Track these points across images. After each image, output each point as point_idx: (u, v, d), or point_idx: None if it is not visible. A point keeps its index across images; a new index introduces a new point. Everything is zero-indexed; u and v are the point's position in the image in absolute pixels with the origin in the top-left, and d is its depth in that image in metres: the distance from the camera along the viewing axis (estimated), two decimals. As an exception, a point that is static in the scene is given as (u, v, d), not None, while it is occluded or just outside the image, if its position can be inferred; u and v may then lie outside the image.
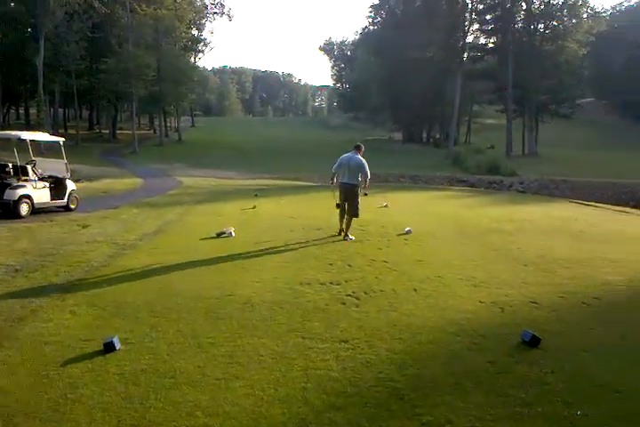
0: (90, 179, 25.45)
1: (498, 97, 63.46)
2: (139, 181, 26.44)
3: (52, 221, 12.17)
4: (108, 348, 4.55)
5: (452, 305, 5.79)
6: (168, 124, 71.42)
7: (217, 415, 3.48)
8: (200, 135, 68.85)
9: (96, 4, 48.22)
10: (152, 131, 71.69)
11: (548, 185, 36.34)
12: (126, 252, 8.78)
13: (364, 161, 9.94)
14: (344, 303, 5.83)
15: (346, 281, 6.75)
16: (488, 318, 5.41)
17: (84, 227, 11.32)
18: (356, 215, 9.94)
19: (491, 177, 39.83)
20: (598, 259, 8.15)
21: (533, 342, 4.63)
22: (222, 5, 72.35)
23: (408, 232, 10.48)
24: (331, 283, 6.67)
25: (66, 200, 14.16)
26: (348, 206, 9.93)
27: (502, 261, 8.06)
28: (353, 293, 6.22)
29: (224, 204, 16.39)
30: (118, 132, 64.68)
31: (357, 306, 5.74)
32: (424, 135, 73.94)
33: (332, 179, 10.57)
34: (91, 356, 4.46)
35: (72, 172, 15.44)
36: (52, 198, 13.79)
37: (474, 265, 7.75)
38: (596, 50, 65.59)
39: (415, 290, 6.38)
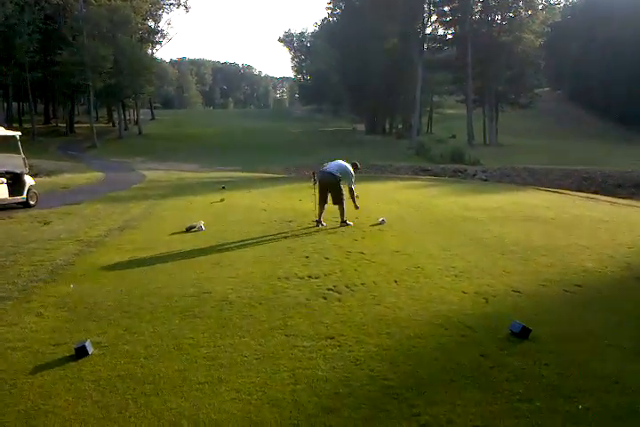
0: (49, 174, 24.69)
1: (458, 87, 64.11)
2: (100, 175, 25.72)
3: (10, 218, 11.66)
4: (80, 353, 4.26)
5: (435, 297, 5.66)
6: (127, 118, 69.83)
7: (203, 424, 3.26)
8: (161, 128, 67.61)
9: (48, -6, 46.72)
10: (111, 124, 69.99)
11: (511, 173, 36.87)
12: (92, 249, 8.41)
13: (352, 172, 10.16)
14: (325, 298, 5.64)
15: (325, 274, 6.56)
16: (473, 309, 5.29)
17: (46, 224, 10.85)
18: (341, 203, 10.07)
19: (454, 166, 40.21)
20: (573, 245, 8.16)
21: (523, 333, 4.52)
22: (179, -4, 70.88)
23: (382, 222, 10.36)
24: (309, 277, 6.47)
25: (25, 196, 13.59)
26: (332, 195, 10.04)
27: (479, 249, 7.99)
28: (334, 286, 6.03)
29: (191, 197, 15.99)
30: (76, 125, 63.05)
31: (340, 300, 5.56)
32: (386, 126, 74.21)
33: (313, 178, 10.56)
34: (62, 362, 4.18)
35: (30, 167, 14.82)
36: (10, 194, 13.21)
37: (452, 255, 7.66)
38: (551, 40, 66.82)
39: (396, 282, 6.24)
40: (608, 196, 19.20)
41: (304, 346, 4.38)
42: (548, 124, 69.70)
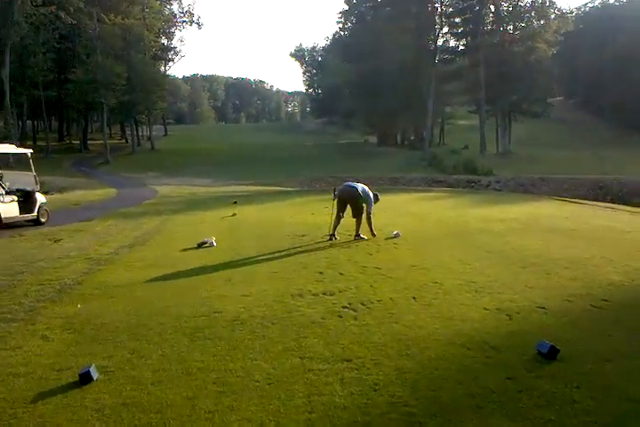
0: (61, 190, 24.74)
1: (470, 98, 63.89)
2: (112, 191, 25.74)
3: (21, 235, 11.59)
4: (85, 379, 4.06)
5: (456, 314, 5.40)
6: (140, 134, 70.35)
7: (213, 457, 3.03)
8: (173, 144, 67.97)
9: (62, 15, 47.27)
10: (124, 140, 70.60)
11: (525, 183, 36.53)
12: (102, 267, 8.27)
13: (372, 198, 10.08)
14: (341, 316, 5.40)
15: (339, 291, 6.32)
16: (496, 327, 5.03)
17: (56, 241, 10.75)
18: (360, 215, 9.95)
19: (468, 177, 39.94)
20: (597, 258, 7.85)
21: (551, 353, 4.25)
22: (191, 14, 71.94)
23: (397, 236, 10.12)
24: (324, 294, 6.24)
25: (36, 214, 13.57)
26: (352, 208, 9.95)
27: (499, 263, 7.70)
28: (349, 304, 5.80)
29: (203, 212, 15.86)
30: (89, 142, 63.58)
31: (356, 319, 5.32)
32: (398, 137, 74.01)
33: (334, 193, 10.45)
34: (65, 389, 3.98)
35: (42, 183, 14.83)
36: (21, 212, 13.19)
37: (471, 269, 7.39)
38: (564, 49, 66.59)
39: (414, 298, 5.98)
40: (623, 205, 18.83)
41: (320, 369, 4.14)
42: (562, 134, 69.10)
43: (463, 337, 4.75)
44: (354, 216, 10.00)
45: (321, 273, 7.29)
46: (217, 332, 5.05)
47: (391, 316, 5.39)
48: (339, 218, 10.05)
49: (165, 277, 7.33)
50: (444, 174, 41.90)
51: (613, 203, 21.12)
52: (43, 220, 13.73)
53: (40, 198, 13.89)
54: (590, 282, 6.48)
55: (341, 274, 7.22)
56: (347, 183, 10.30)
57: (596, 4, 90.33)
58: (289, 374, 4.09)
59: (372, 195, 10.08)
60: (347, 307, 5.71)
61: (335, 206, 10.10)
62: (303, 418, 3.42)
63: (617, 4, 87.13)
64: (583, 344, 4.57)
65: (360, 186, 10.04)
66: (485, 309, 5.56)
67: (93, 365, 4.19)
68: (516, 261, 7.74)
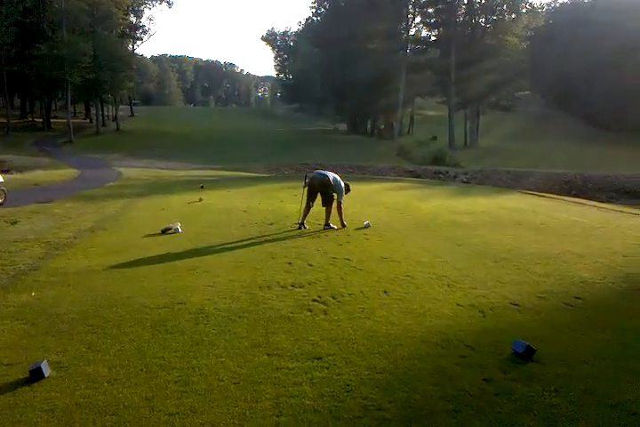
0: (21, 170, 23.84)
1: (440, 89, 64.08)
2: (74, 172, 24.94)
3: (-25, 217, 11.01)
4: (36, 375, 3.78)
5: (428, 310, 5.25)
6: (105, 114, 68.54)
7: (172, 465, 2.80)
8: (140, 125, 66.50)
9: (27, -12, 45.55)
10: (88, 120, 68.66)
11: (492, 175, 36.88)
12: (59, 252, 7.89)
13: (343, 188, 9.84)
14: (311, 310, 5.20)
15: (309, 283, 6.11)
16: (470, 324, 4.90)
17: (13, 223, 10.25)
18: (330, 204, 9.73)
19: (436, 168, 40.11)
20: (568, 253, 7.82)
21: (527, 353, 4.13)
22: (161, -9, 69.92)
23: (367, 226, 9.97)
24: (293, 286, 6.03)
25: (-8, 194, 12.94)
26: (323, 197, 9.72)
27: (471, 257, 7.61)
28: (319, 297, 5.60)
29: (168, 196, 15.43)
30: (53, 120, 61.62)
31: (326, 313, 5.13)
32: (368, 126, 73.92)
33: (304, 180, 10.15)
34: (14, 386, 3.69)
35: (1, 162, 14.14)
36: (-24, 192, 12.58)
37: (442, 262, 7.27)
38: (534, 44, 67.19)
39: (386, 292, 5.82)
40: (587, 199, 19.11)
41: (288, 368, 3.94)
42: (530, 128, 69.89)
43: (437, 335, 4.60)
44: (323, 205, 9.80)
45: (290, 264, 7.08)
46: (179, 325, 4.79)
47: (362, 311, 5.21)
48: (308, 207, 9.84)
49: (126, 265, 7.00)
50: (412, 165, 41.97)
51: (577, 197, 21.45)
52: (0, 200, 13.16)
53: (-3, 178, 13.28)
54: (562, 279, 6.42)
55: (311, 265, 7.01)
56: (318, 171, 10.09)
57: (567, 0, 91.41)
58: (256, 372, 3.87)
59: (342, 184, 9.88)
60: (317, 300, 5.51)
61: (305, 195, 9.89)
62: (271, 422, 3.21)
63: (586, 0, 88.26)
64: (558, 344, 4.47)
65: (331, 175, 9.83)
66: (458, 304, 5.43)
67: (45, 360, 3.90)
68: (487, 256, 7.65)
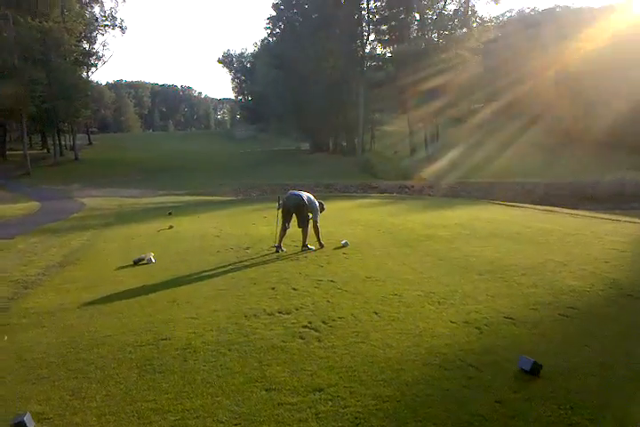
0: (-23, 205, 22.99)
1: (399, 104, 64.94)
2: (35, 204, 24.18)
3: None
4: (18, 430, 3.47)
5: (424, 329, 5.11)
6: (63, 143, 67.18)
7: None
8: (98, 153, 65.37)
9: (-26, 16, 44.61)
10: (45, 150, 67.11)
11: (456, 187, 37.36)
12: (29, 291, 7.53)
13: (318, 207, 9.73)
14: (303, 338, 5.00)
15: (296, 309, 5.91)
16: (469, 342, 4.76)
17: (-26, 262, 9.77)
18: (306, 226, 9.57)
19: (400, 182, 40.42)
20: (549, 262, 7.80)
21: (534, 370, 4.02)
22: (114, 17, 69.38)
23: (345, 245, 9.83)
24: (280, 312, 5.81)
25: (-51, 232, 12.37)
26: (298, 218, 9.54)
27: (454, 271, 7.51)
28: (309, 323, 5.40)
29: (136, 225, 14.99)
30: (8, 152, 60.00)
31: (319, 340, 4.93)
32: (330, 144, 74.28)
33: (278, 202, 10.01)
34: (-6, 444, 3.39)
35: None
36: None
37: (427, 278, 7.15)
38: (486, 57, 68.92)
39: (377, 313, 5.65)
40: (552, 206, 19.37)
41: (290, 403, 3.73)
42: (487, 138, 71.39)
43: (438, 356, 4.45)
44: (299, 226, 9.61)
45: (273, 289, 6.86)
46: (167, 363, 4.53)
47: (357, 335, 5.03)
48: (284, 229, 9.66)
49: (102, 301, 6.68)
50: (377, 180, 42.22)
51: (539, 205, 21.75)
52: (-43, 238, 12.57)
53: (-46, 215, 12.73)
54: (551, 289, 6.37)
55: (295, 289, 6.81)
56: (291, 192, 9.87)
57: (514, 13, 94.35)
58: (256, 410, 3.65)
59: (317, 203, 9.75)
60: (307, 327, 5.31)
61: (280, 216, 9.71)
62: (281, 466, 3.00)
63: (532, 13, 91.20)
64: (561, 358, 4.37)
65: (305, 194, 9.68)
66: (452, 322, 5.30)
67: (28, 412, 3.61)
68: (470, 269, 7.57)
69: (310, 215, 9.60)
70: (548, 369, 4.07)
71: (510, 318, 5.36)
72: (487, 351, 4.53)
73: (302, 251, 9.49)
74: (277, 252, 9.48)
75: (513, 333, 4.99)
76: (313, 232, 9.67)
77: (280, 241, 9.63)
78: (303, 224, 9.56)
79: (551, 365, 4.17)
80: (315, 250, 9.50)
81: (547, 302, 5.88)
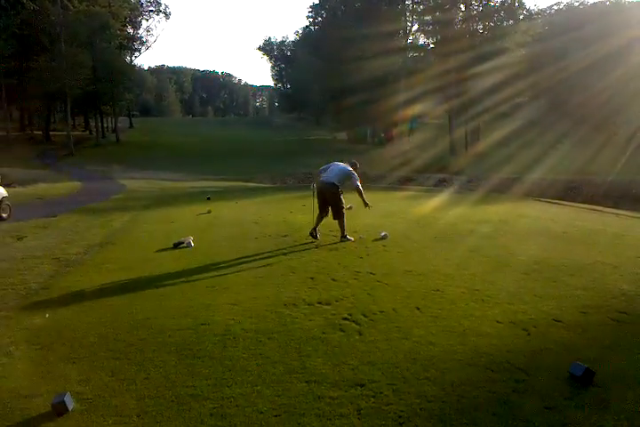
0: (23, 184, 23.57)
1: (440, 96, 63.96)
2: (77, 184, 24.69)
3: (-20, 233, 10.74)
4: (59, 409, 3.48)
5: (468, 328, 4.95)
6: (105, 125, 68.43)
7: None
8: (139, 136, 66.36)
9: (24, 0, 45.44)
10: (88, 132, 68.53)
11: (496, 182, 36.60)
12: (70, 269, 7.60)
13: (354, 174, 9.33)
14: (343, 330, 4.90)
15: (336, 300, 5.81)
16: (516, 344, 4.60)
17: (19, 239, 10.00)
18: (342, 217, 9.34)
19: (439, 175, 39.88)
20: (599, 264, 7.52)
21: (587, 377, 3.84)
22: (158, 3, 70.40)
23: (384, 237, 9.67)
24: (319, 303, 5.72)
25: (-4, 209, 12.67)
26: (332, 209, 9.33)
27: (498, 269, 7.30)
28: (349, 315, 5.30)
29: (175, 209, 15.12)
30: (52, 133, 61.41)
31: (360, 333, 4.82)
32: (368, 135, 73.72)
33: (312, 191, 9.66)
34: (36, 422, 3.43)
35: (2, 176, 13.86)
36: (-20, 207, 12.31)
37: (470, 275, 6.96)
38: (533, 50, 67.22)
39: (419, 309, 5.52)
40: (594, 205, 18.86)
41: (331, 397, 3.64)
42: (530, 133, 69.91)
43: (483, 356, 4.30)
44: (334, 218, 9.40)
45: (312, 279, 6.77)
46: (207, 349, 4.50)
47: (398, 330, 4.91)
48: (321, 215, 9.44)
49: (142, 283, 6.70)
50: (414, 173, 41.74)
51: (585, 204, 21.17)
52: (4, 215, 12.86)
53: (1, 192, 13.00)
54: (601, 292, 6.12)
55: (334, 280, 6.71)
56: (324, 178, 9.37)
57: (562, 6, 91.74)
58: (296, 402, 3.58)
59: (350, 169, 9.33)
60: (347, 319, 5.21)
61: (316, 204, 9.49)
62: (323, 462, 2.91)
63: (581, 7, 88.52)
64: (614, 365, 4.17)
65: (335, 174, 9.23)
66: (498, 322, 5.13)
67: (68, 392, 3.61)
68: (516, 267, 7.35)
69: (345, 204, 9.40)
70: (600, 377, 3.89)
71: (559, 321, 5.15)
72: (535, 355, 4.36)
73: (341, 241, 9.34)
74: (312, 235, 9.34)
75: (562, 336, 4.79)
76: (359, 196, 9.28)
77: (316, 225, 9.43)
78: (338, 217, 9.33)
79: (604, 372, 3.98)
80: (353, 241, 9.35)
81: (596, 305, 5.65)
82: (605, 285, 6.43)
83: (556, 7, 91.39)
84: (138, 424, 3.34)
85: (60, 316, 5.45)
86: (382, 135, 71.43)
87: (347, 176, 9.26)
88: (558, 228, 10.94)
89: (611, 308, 5.56)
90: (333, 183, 9.18)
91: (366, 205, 9.36)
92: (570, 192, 31.06)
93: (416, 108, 71.21)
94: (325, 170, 9.50)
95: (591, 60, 67.98)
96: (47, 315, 5.47)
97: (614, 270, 7.14)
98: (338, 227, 9.52)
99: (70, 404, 3.53)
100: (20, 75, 51.11)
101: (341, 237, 9.48)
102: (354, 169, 9.48)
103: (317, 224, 9.50)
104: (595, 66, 67.91)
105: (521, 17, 61.57)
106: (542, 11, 76.92)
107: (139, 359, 4.30)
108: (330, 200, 9.28)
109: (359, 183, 9.25)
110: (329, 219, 9.56)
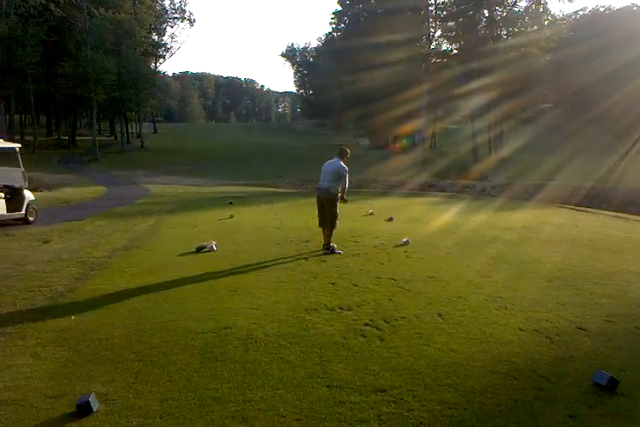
0: (49, 188, 24.00)
1: (462, 102, 63.63)
2: (102, 189, 25.03)
3: (8, 235, 10.95)
4: (84, 410, 3.53)
5: (490, 335, 4.92)
6: (129, 131, 69.39)
7: None
8: (163, 142, 67.06)
9: (52, 7, 46.39)
10: (113, 137, 69.56)
11: (519, 189, 36.23)
12: (95, 272, 7.70)
13: (343, 166, 8.93)
14: (364, 336, 4.90)
15: (357, 306, 5.82)
16: (539, 352, 4.55)
17: (46, 242, 10.16)
18: (333, 226, 8.92)
19: (461, 181, 39.59)
20: (624, 272, 7.42)
21: (611, 385, 3.79)
22: (183, 10, 71.42)
23: (406, 243, 9.65)
24: (341, 308, 5.74)
25: (24, 212, 12.90)
26: (326, 215, 8.96)
27: (521, 276, 7.25)
28: (371, 321, 5.30)
29: (198, 213, 15.27)
30: (78, 138, 62.40)
31: (382, 339, 4.82)
32: (390, 141, 73.60)
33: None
34: (61, 422, 3.47)
35: (30, 180, 14.12)
36: (9, 210, 12.54)
37: (493, 282, 6.92)
38: (556, 56, 66.57)
39: (440, 315, 5.50)
40: (619, 213, 18.55)
41: (352, 402, 3.64)
42: (552, 139, 69.15)
43: (506, 364, 4.27)
44: (324, 224, 8.98)
45: (333, 284, 6.79)
46: (229, 352, 4.53)
47: (420, 336, 4.90)
48: (322, 221, 9.09)
49: (165, 286, 6.78)
50: (437, 179, 41.53)
51: (608, 211, 20.85)
52: (31, 218, 13.09)
53: (28, 196, 13.24)
54: (626, 300, 6.05)
55: (355, 285, 6.72)
56: (321, 185, 9.00)
57: (587, 12, 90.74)
58: (317, 407, 3.59)
59: (341, 164, 8.90)
60: (369, 324, 5.21)
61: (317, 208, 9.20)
62: (344, 467, 2.92)
63: (607, 12, 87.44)
64: (639, 373, 4.11)
65: (329, 176, 8.86)
66: (521, 329, 5.09)
67: (93, 393, 3.66)
68: (539, 275, 7.29)
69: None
70: (624, 386, 3.84)
71: (583, 329, 5.10)
72: (559, 363, 4.32)
73: (324, 253, 8.86)
74: (327, 250, 8.93)
75: (586, 344, 4.74)
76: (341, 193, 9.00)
77: (328, 241, 9.02)
78: (329, 224, 8.92)
79: (628, 380, 3.94)
80: (341, 254, 8.83)
81: (621, 313, 5.57)
82: (630, 293, 6.34)
83: (581, 13, 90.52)
84: (161, 426, 3.37)
85: (85, 318, 5.53)
86: (404, 141, 71.12)
87: (339, 172, 8.87)
88: (583, 235, 10.81)
89: (636, 316, 5.49)
90: (327, 189, 8.87)
91: (344, 199, 9.11)
92: (595, 199, 30.60)
93: (439, 114, 71.15)
94: (321, 172, 9.13)
95: (615, 67, 67.17)
96: (73, 317, 5.55)
97: (638, 279, 7.03)
98: (357, 230, 9.48)
99: (95, 405, 3.58)
100: (47, 80, 52.11)
101: (325, 245, 9.02)
102: (344, 156, 9.08)
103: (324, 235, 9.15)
104: (619, 72, 67.09)
105: (545, 22, 60.91)
106: (567, 16, 76.15)
107: (162, 362, 4.35)
108: (325, 206, 8.97)
109: (347, 183, 9.02)
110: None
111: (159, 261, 8.35)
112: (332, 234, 9.02)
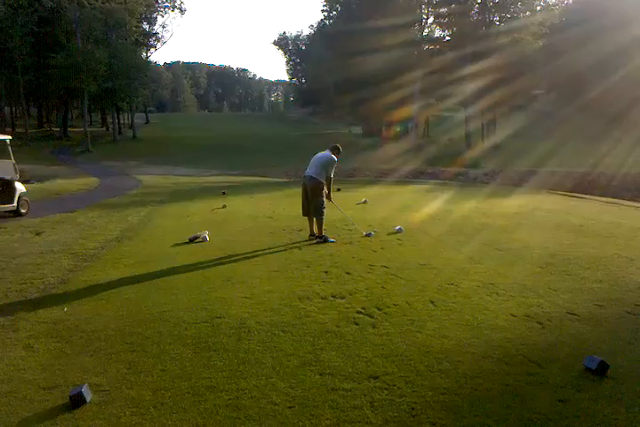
0: (41, 179, 23.88)
1: (455, 89, 63.44)
2: (94, 180, 24.93)
3: (0, 228, 10.89)
4: (77, 401, 3.54)
5: (482, 321, 4.95)
6: (121, 121, 68.97)
7: None
8: (155, 132, 66.80)
9: (41, -2, 45.96)
10: (105, 128, 69.17)
11: (513, 176, 36.31)
12: (88, 264, 7.69)
13: (333, 159, 8.83)
14: (357, 324, 4.92)
15: (350, 294, 5.83)
16: (530, 337, 4.58)
17: (38, 234, 10.13)
18: (319, 216, 8.82)
19: (454, 169, 39.63)
20: (615, 257, 7.46)
21: (601, 369, 3.83)
22: (173, -1, 70.46)
23: (399, 231, 9.67)
24: (333, 296, 5.75)
25: (15, 204, 12.85)
26: (310, 204, 8.86)
27: (513, 262, 7.28)
28: (363, 309, 5.32)
29: (191, 204, 15.25)
30: (69, 129, 62.06)
31: (374, 326, 4.84)
32: (383, 129, 73.43)
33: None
34: (54, 413, 3.47)
35: (21, 172, 14.04)
36: (0, 202, 12.48)
37: (485, 268, 6.95)
38: (548, 42, 66.34)
39: (432, 302, 5.52)
40: (611, 198, 18.66)
41: (344, 389, 3.66)
42: (545, 126, 69.18)
43: (497, 349, 4.30)
44: (311, 214, 8.92)
45: (326, 272, 6.80)
46: (222, 342, 4.54)
47: (412, 323, 4.92)
48: (305, 210, 9.04)
49: (158, 276, 6.78)
50: (430, 166, 41.55)
51: (602, 197, 20.95)
52: (23, 211, 13.04)
53: (20, 188, 13.18)
54: (617, 285, 6.08)
55: (348, 273, 6.74)
56: (308, 172, 8.86)
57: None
58: (310, 394, 3.60)
59: (331, 156, 8.83)
60: (361, 312, 5.23)
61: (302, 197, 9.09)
62: (337, 453, 2.94)
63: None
64: (630, 358, 4.15)
65: (315, 166, 8.78)
66: (513, 315, 5.12)
67: (86, 384, 3.67)
68: (530, 261, 7.32)
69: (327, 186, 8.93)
70: (615, 369, 3.87)
71: (574, 314, 5.14)
72: (550, 348, 4.35)
73: (316, 242, 8.81)
74: (322, 241, 8.83)
75: (577, 329, 4.77)
76: (327, 187, 8.90)
77: (315, 229, 9.04)
78: (316, 214, 8.82)
79: (618, 365, 3.97)
80: (335, 242, 8.82)
81: (613, 298, 5.61)
82: (621, 278, 6.38)
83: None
84: (154, 415, 3.38)
85: (77, 309, 5.53)
86: (397, 129, 70.94)
87: (328, 162, 8.79)
88: (574, 221, 10.85)
89: (627, 301, 5.52)
90: (312, 176, 8.76)
91: (329, 197, 9.04)
92: (587, 185, 30.71)
93: (432, 102, 70.94)
94: (310, 161, 9.04)
95: (607, 52, 67.01)
96: (65, 309, 5.55)
97: (631, 263, 7.09)
98: (353, 218, 9.48)
99: (88, 395, 3.59)
100: (37, 72, 51.65)
101: (317, 236, 8.98)
102: (336, 152, 8.99)
103: (310, 225, 9.17)
104: (611, 58, 66.96)
105: (538, 8, 60.67)
106: (559, 1, 75.77)
107: (155, 352, 4.36)
108: (309, 194, 8.83)
109: (332, 175, 8.94)
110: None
111: (152, 252, 8.34)
112: (321, 224, 8.93)
